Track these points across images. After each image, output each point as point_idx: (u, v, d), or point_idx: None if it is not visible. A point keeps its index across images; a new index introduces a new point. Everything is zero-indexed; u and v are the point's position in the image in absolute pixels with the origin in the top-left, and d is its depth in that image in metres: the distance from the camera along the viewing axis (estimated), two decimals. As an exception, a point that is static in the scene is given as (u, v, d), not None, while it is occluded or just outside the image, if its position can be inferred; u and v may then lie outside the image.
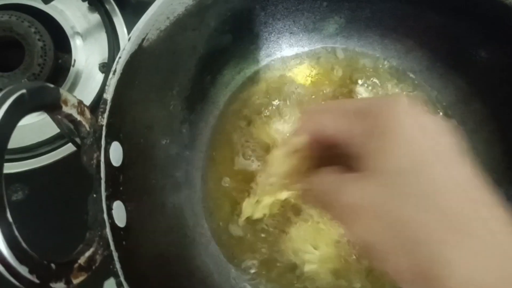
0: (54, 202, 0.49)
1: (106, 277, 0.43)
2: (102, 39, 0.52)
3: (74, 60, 0.51)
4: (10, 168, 0.48)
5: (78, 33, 0.52)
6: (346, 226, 0.23)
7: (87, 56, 0.52)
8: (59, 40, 0.51)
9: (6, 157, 0.48)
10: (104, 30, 0.52)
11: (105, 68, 0.51)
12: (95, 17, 0.53)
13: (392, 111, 0.23)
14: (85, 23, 0.53)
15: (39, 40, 0.49)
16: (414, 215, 0.20)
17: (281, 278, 0.41)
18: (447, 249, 0.20)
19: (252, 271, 0.41)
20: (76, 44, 0.52)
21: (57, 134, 0.49)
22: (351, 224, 0.23)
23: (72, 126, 0.31)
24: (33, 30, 0.49)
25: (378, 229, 0.21)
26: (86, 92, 0.51)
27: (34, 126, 0.49)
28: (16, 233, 0.25)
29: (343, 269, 0.41)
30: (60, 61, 0.51)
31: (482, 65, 0.40)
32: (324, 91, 0.45)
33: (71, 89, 0.51)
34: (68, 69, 0.51)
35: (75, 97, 0.31)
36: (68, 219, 0.48)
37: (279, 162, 0.29)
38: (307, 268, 0.42)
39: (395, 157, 0.22)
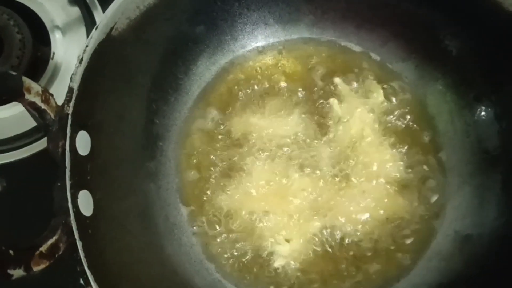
0: (31, 195, 0.49)
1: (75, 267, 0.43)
2: (81, 32, 0.52)
3: (53, 53, 0.51)
4: (-14, 161, 0.48)
5: (57, 26, 0.52)
6: None
7: (66, 49, 0.52)
8: (38, 33, 0.51)
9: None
10: (83, 24, 0.52)
11: (85, 61, 0.50)
12: (75, 10, 0.53)
13: None
14: (65, 16, 0.53)
15: (17, 32, 0.49)
16: None
17: (253, 270, 0.41)
18: None
19: (225, 262, 0.41)
20: (56, 37, 0.52)
21: (35, 127, 0.49)
22: None
23: (36, 114, 0.31)
24: (11, 22, 0.49)
25: None
26: (65, 84, 0.49)
27: (11, 119, 0.49)
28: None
29: (313, 265, 0.41)
30: (39, 53, 0.51)
31: (455, 55, 0.40)
32: (300, 82, 0.45)
33: (50, 82, 0.51)
34: (47, 62, 0.51)
35: (39, 85, 0.31)
36: (45, 212, 0.48)
37: None
38: (277, 263, 0.41)
39: None
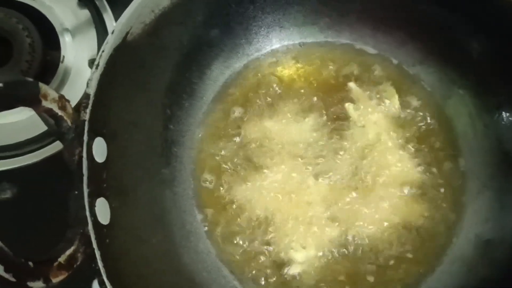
0: (43, 201, 0.49)
1: (93, 277, 0.43)
2: (91, 35, 0.51)
3: (63, 57, 0.50)
4: (-1, 166, 0.48)
5: (67, 30, 0.51)
6: None
7: (76, 52, 0.51)
8: (48, 37, 0.50)
9: (-6, 154, 0.48)
10: (93, 26, 0.51)
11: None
12: (85, 13, 0.52)
13: None
14: (74, 19, 0.52)
15: (27, 36, 0.48)
16: None
17: (270, 277, 0.41)
18: None
19: (242, 269, 0.41)
20: (65, 40, 0.51)
21: (46, 131, 0.48)
22: None
23: (52, 121, 0.31)
24: (21, 26, 0.48)
25: None
26: (75, 88, 0.50)
27: (22, 124, 0.49)
28: (-9, 230, 0.24)
29: (329, 272, 0.40)
30: (48, 57, 0.50)
31: (475, 58, 0.40)
32: (315, 86, 0.44)
33: (60, 86, 0.50)
34: (57, 66, 0.50)
35: (55, 92, 0.31)
36: (57, 217, 0.48)
37: None
38: (293, 270, 0.41)
39: None
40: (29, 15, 0.49)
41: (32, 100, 0.29)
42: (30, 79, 0.29)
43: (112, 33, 0.33)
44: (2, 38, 0.48)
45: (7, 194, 0.48)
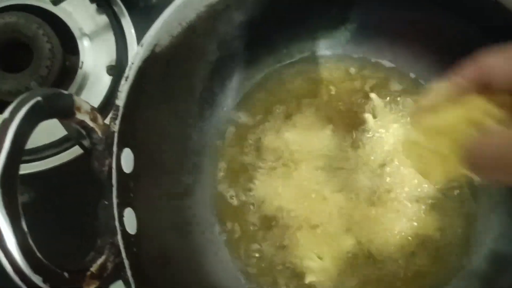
0: (60, 205, 0.49)
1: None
2: (110, 41, 0.52)
3: (82, 62, 0.51)
4: (17, 170, 0.48)
5: (86, 35, 0.52)
6: None
7: (95, 58, 0.51)
8: (67, 42, 0.51)
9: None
10: (112, 32, 0.51)
11: (113, 70, 0.50)
12: (103, 19, 0.52)
13: None
14: (93, 25, 0.52)
15: (47, 42, 0.48)
16: None
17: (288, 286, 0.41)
18: None
19: (261, 278, 0.41)
20: (84, 46, 0.51)
21: (64, 136, 0.48)
22: None
23: (84, 132, 0.31)
24: (41, 32, 0.49)
25: None
26: (94, 94, 0.50)
27: (41, 128, 0.48)
28: (31, 242, 0.25)
29: (345, 283, 0.41)
30: (67, 63, 0.51)
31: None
32: (335, 98, 0.45)
33: (78, 92, 0.50)
34: (75, 72, 0.50)
35: (87, 103, 0.31)
36: (74, 223, 0.48)
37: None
38: (308, 279, 0.42)
39: None
40: (49, 21, 0.50)
41: (67, 113, 0.29)
42: (66, 92, 0.29)
43: (142, 46, 0.34)
44: (22, 44, 0.49)
45: (25, 198, 0.49)
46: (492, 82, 0.24)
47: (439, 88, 0.27)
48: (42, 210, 0.49)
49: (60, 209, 0.49)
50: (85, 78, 0.51)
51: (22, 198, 0.48)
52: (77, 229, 0.46)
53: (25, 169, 0.49)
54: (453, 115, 0.25)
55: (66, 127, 0.44)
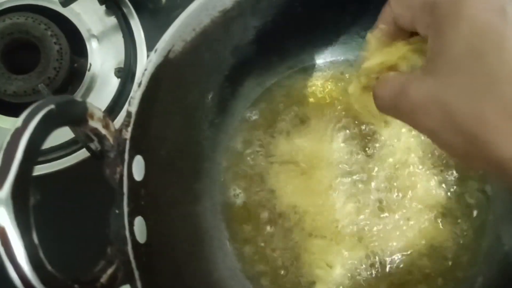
0: (66, 209, 0.48)
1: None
2: (118, 43, 0.51)
3: (90, 64, 0.50)
4: (23, 173, 0.47)
5: (94, 37, 0.51)
6: (414, 124, 0.25)
7: (103, 60, 0.51)
8: (75, 44, 0.50)
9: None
10: (120, 34, 0.51)
11: (121, 73, 0.50)
12: (112, 20, 0.52)
13: (456, 1, 0.22)
14: (102, 27, 0.52)
15: (55, 43, 0.48)
16: (469, 105, 0.21)
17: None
18: (501, 135, 0.20)
19: (269, 286, 0.41)
20: (92, 48, 0.51)
21: (71, 139, 0.48)
22: (418, 121, 0.24)
23: (96, 140, 0.31)
24: (49, 33, 0.48)
25: (439, 122, 0.22)
26: (101, 97, 0.50)
27: (49, 131, 0.48)
28: (41, 254, 0.24)
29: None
30: (75, 65, 0.50)
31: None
32: (346, 104, 0.44)
33: (86, 94, 0.50)
34: (83, 74, 0.50)
35: (100, 110, 0.31)
36: (80, 227, 0.48)
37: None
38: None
39: (458, 41, 0.21)
40: (57, 22, 0.49)
41: (80, 120, 0.29)
42: (79, 99, 0.29)
43: (155, 51, 0.33)
44: (30, 44, 0.48)
45: (31, 201, 0.48)
46: (403, 27, 0.27)
47: (373, 36, 0.30)
48: (49, 213, 0.48)
49: (67, 212, 0.48)
50: (93, 80, 0.50)
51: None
52: (84, 233, 0.46)
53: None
54: (376, 60, 0.29)
55: (73, 130, 0.44)
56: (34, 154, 0.25)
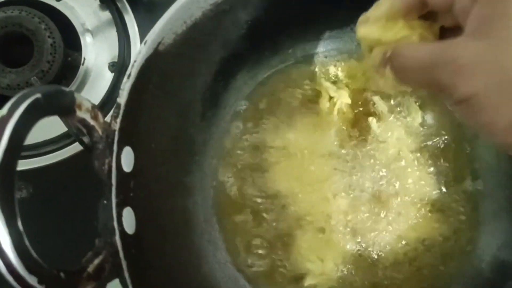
0: (58, 202, 0.49)
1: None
2: (112, 37, 0.51)
3: (84, 59, 0.50)
4: (15, 166, 0.47)
5: (88, 31, 0.51)
6: (453, 89, 0.23)
7: (97, 54, 0.51)
8: (69, 38, 0.50)
9: (12, 154, 0.47)
10: (114, 29, 0.51)
11: (115, 67, 0.50)
12: (106, 15, 0.52)
13: None
14: (96, 21, 0.52)
15: (49, 37, 0.48)
16: None
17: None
18: None
19: (260, 281, 0.41)
20: (86, 42, 0.51)
21: (64, 133, 0.48)
22: (461, 83, 0.23)
23: (85, 131, 0.31)
24: (43, 26, 0.48)
25: (487, 83, 0.22)
26: (95, 91, 0.50)
27: (40, 124, 0.48)
28: (27, 242, 0.24)
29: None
30: (69, 58, 0.50)
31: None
32: (336, 101, 0.44)
33: (79, 88, 0.50)
34: (77, 67, 0.50)
35: (89, 101, 0.31)
36: (72, 219, 0.48)
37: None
38: (308, 282, 0.41)
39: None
40: (51, 15, 0.49)
41: (68, 110, 0.28)
42: (67, 89, 0.28)
43: (145, 43, 0.33)
44: (24, 37, 0.48)
45: (23, 194, 0.48)
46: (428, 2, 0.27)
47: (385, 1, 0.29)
48: (40, 206, 0.48)
49: (59, 205, 0.49)
50: (86, 74, 0.50)
51: (20, 194, 0.48)
52: (75, 226, 0.46)
53: (24, 165, 0.48)
54: (391, 30, 0.28)
55: (66, 123, 0.44)
56: (19, 142, 0.25)
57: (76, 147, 0.48)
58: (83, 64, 0.50)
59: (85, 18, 0.52)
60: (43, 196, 0.49)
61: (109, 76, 0.50)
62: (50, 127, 0.49)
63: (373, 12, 0.30)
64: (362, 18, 0.31)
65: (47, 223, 0.48)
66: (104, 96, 0.49)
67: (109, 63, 0.50)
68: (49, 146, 0.49)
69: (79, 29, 0.51)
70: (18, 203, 0.50)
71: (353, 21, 0.43)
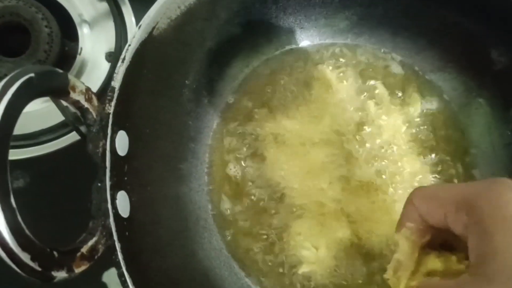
0: (55, 191, 0.49)
1: (106, 267, 0.43)
2: (109, 27, 0.51)
3: (81, 48, 0.50)
4: (12, 155, 0.47)
5: (85, 21, 0.51)
6: None
7: (94, 44, 0.51)
8: (66, 28, 0.50)
9: (9, 143, 0.48)
10: (111, 19, 0.51)
11: (112, 57, 0.50)
12: (103, 5, 0.52)
13: (497, 203, 0.21)
14: (93, 11, 0.52)
15: (46, 26, 0.48)
16: None
17: (282, 276, 0.41)
18: None
19: (254, 267, 0.41)
20: (83, 32, 0.51)
21: (61, 122, 0.48)
22: None
23: (79, 113, 0.31)
24: (40, 16, 0.48)
25: None
26: (92, 81, 0.50)
27: (38, 113, 0.49)
28: (19, 219, 0.25)
29: (340, 274, 0.41)
30: (66, 48, 0.50)
31: (496, 69, 0.40)
32: (334, 87, 0.44)
33: (76, 77, 0.49)
34: (74, 57, 0.50)
35: (83, 83, 0.31)
36: (68, 208, 0.48)
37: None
38: (302, 270, 0.41)
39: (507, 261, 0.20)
40: (48, 5, 0.49)
41: (61, 91, 0.29)
42: (60, 70, 0.29)
43: (139, 27, 0.33)
44: (21, 27, 0.48)
45: (21, 183, 0.49)
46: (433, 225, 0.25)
47: (402, 236, 0.27)
48: (38, 195, 0.48)
49: (56, 194, 0.49)
50: (83, 64, 0.51)
51: (17, 183, 0.49)
52: (72, 214, 0.46)
53: (21, 154, 0.48)
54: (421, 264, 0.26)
55: (63, 112, 0.44)
56: (12, 120, 0.25)
57: (73, 136, 0.48)
58: (80, 54, 0.50)
59: (82, 8, 0.52)
60: (40, 185, 0.49)
61: (106, 66, 0.50)
62: (47, 116, 0.49)
63: (399, 250, 0.28)
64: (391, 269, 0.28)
65: (44, 212, 0.48)
66: (101, 85, 0.49)
67: (106, 53, 0.51)
68: (46, 135, 0.49)
69: (76, 19, 0.51)
70: (15, 192, 0.51)
71: (348, 9, 0.44)
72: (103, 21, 0.52)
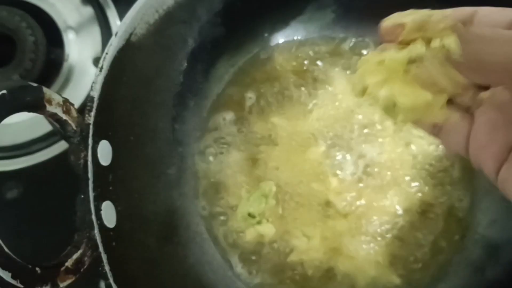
0: (49, 200, 0.49)
1: (100, 278, 0.43)
2: (95, 33, 0.51)
3: (67, 55, 0.50)
4: (3, 166, 0.48)
5: (70, 27, 0.51)
6: None
7: (80, 50, 0.51)
8: (51, 35, 0.50)
9: (-1, 154, 0.48)
10: (97, 24, 0.51)
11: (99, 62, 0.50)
12: (88, 10, 0.51)
13: None
14: (78, 16, 0.51)
15: (30, 35, 0.48)
16: None
17: (276, 275, 0.41)
18: None
19: (247, 270, 0.41)
20: (69, 38, 0.51)
21: (51, 131, 0.48)
22: None
23: (57, 126, 0.31)
24: (24, 24, 0.48)
25: None
26: (80, 87, 0.50)
27: (27, 124, 0.48)
28: (-3, 238, 0.24)
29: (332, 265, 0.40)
30: (52, 56, 0.50)
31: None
32: (323, 82, 0.44)
33: (64, 85, 0.50)
34: (61, 64, 0.50)
35: (60, 95, 0.30)
36: (64, 218, 0.48)
37: None
38: (292, 257, 0.41)
39: None
40: (32, 13, 0.49)
41: (37, 106, 0.28)
42: (34, 84, 0.28)
43: (116, 35, 0.33)
44: (5, 37, 0.48)
45: (14, 194, 0.49)
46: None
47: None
48: (31, 205, 0.49)
49: (49, 204, 0.49)
50: (71, 71, 0.50)
51: (11, 194, 0.49)
52: (67, 224, 0.46)
53: (13, 164, 0.48)
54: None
55: (49, 121, 0.44)
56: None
57: (64, 145, 0.48)
58: (66, 61, 0.50)
59: (67, 15, 0.51)
60: (34, 195, 0.49)
61: (93, 72, 0.50)
62: (36, 125, 0.49)
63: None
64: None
65: (39, 221, 0.48)
66: (90, 91, 0.48)
67: (93, 58, 0.50)
68: (36, 145, 0.49)
69: (61, 25, 0.51)
70: (9, 203, 0.51)
71: (334, 2, 0.43)
72: (88, 26, 0.51)
